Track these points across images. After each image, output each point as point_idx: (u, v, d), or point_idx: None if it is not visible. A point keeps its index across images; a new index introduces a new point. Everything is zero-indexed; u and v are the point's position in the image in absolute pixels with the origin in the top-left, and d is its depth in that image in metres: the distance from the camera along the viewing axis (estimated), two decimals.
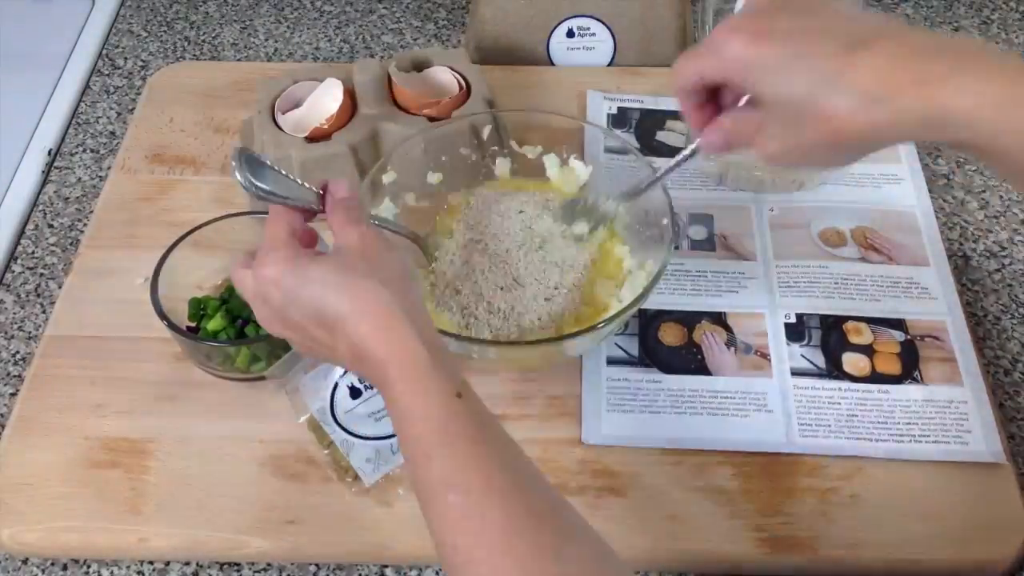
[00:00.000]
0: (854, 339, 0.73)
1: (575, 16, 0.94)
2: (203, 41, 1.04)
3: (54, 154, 0.91)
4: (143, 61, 1.01)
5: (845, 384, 0.70)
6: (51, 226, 0.85)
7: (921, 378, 0.70)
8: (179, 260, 0.70)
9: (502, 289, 0.70)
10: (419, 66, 0.86)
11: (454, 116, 0.80)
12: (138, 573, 0.64)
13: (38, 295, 0.80)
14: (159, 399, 0.70)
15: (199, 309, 0.71)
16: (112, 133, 0.93)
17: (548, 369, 0.72)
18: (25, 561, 0.65)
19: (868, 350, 0.72)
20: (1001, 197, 0.86)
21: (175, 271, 0.70)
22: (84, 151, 0.91)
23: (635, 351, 0.72)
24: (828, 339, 0.73)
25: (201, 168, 0.86)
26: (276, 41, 1.03)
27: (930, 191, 0.84)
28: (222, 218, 0.73)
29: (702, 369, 0.71)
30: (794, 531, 0.63)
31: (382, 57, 1.01)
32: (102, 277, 0.77)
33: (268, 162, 0.55)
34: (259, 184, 0.54)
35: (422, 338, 0.49)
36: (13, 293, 0.80)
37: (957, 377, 0.70)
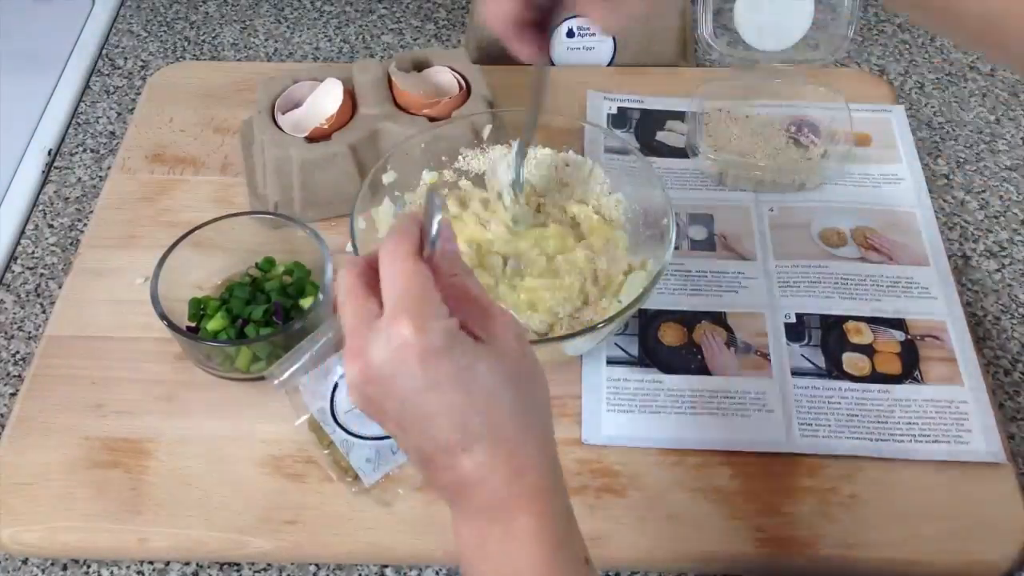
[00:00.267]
0: (854, 339, 0.73)
1: (575, 16, 0.93)
2: (203, 41, 1.04)
3: (54, 154, 0.91)
4: (143, 61, 1.01)
5: (845, 384, 0.70)
6: (51, 226, 0.85)
7: (921, 378, 0.70)
8: (179, 260, 0.71)
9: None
10: (419, 66, 0.86)
11: (454, 116, 0.80)
12: (138, 573, 0.64)
13: (38, 295, 0.80)
14: (159, 399, 0.70)
15: (199, 309, 0.71)
16: (112, 133, 0.93)
17: (548, 369, 0.71)
18: (25, 561, 0.65)
19: (868, 350, 0.72)
20: (1001, 197, 0.86)
21: (175, 271, 0.70)
22: (84, 151, 0.91)
23: (635, 351, 0.72)
24: (828, 339, 0.73)
25: (201, 168, 0.86)
26: (276, 41, 1.03)
27: (930, 191, 0.84)
28: (222, 218, 0.73)
29: (702, 369, 0.71)
30: (794, 531, 0.63)
31: (382, 57, 1.01)
32: (102, 277, 0.77)
33: None
34: None
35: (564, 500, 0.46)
36: (13, 293, 0.80)
37: (957, 377, 0.70)
